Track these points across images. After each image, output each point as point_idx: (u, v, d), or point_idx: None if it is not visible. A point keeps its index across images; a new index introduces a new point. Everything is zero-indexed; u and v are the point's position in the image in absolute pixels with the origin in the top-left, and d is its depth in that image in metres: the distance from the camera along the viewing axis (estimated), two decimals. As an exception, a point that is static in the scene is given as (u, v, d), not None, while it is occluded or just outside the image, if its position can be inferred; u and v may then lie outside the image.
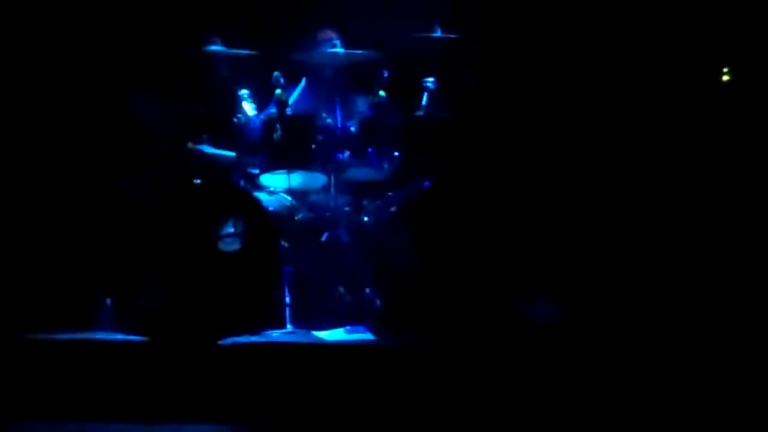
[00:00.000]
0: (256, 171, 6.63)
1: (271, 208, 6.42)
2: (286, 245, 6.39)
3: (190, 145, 6.83)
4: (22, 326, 6.20)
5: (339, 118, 6.62)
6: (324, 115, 6.60)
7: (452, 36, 6.64)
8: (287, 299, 6.27)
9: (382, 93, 6.64)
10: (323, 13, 7.20)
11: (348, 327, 6.19)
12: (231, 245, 6.24)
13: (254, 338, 5.99)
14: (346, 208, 6.67)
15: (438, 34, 6.63)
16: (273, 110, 6.61)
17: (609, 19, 7.27)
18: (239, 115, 6.65)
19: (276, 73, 6.73)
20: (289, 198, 6.63)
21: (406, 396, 5.55)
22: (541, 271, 6.65)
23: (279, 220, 6.44)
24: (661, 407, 5.44)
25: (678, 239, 6.91)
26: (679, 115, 7.22)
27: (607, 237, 7.15)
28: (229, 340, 5.87)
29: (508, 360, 5.68)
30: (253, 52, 6.78)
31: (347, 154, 6.58)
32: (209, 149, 6.80)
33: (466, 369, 5.64)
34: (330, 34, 6.92)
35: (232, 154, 6.69)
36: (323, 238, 6.52)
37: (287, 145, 6.53)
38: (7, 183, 7.00)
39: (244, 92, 6.72)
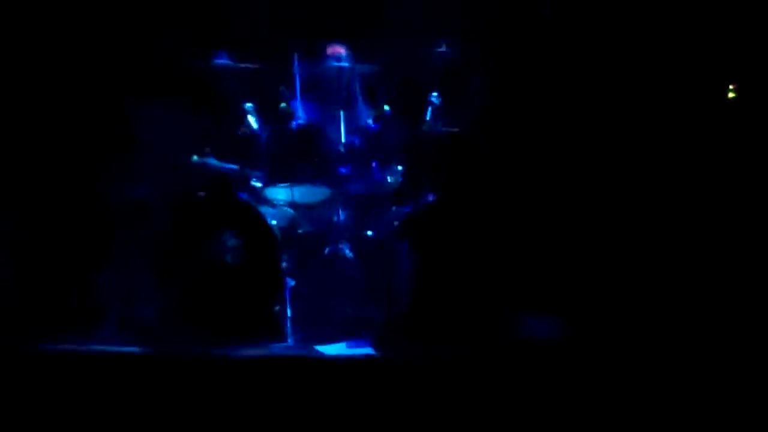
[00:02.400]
0: (260, 184, 6.63)
1: (273, 222, 6.43)
2: (289, 258, 6.40)
3: (194, 157, 6.85)
4: (23, 337, 6.21)
5: (343, 132, 6.62)
6: (328, 128, 6.61)
7: (457, 51, 6.64)
8: (289, 312, 6.27)
9: (386, 107, 6.65)
10: (329, 27, 7.22)
11: (349, 341, 6.18)
12: (233, 258, 6.25)
13: (255, 351, 5.99)
14: (349, 222, 6.67)
15: (443, 49, 6.63)
16: (277, 124, 6.63)
17: (615, 32, 7.27)
18: (244, 129, 6.66)
19: (281, 87, 6.74)
20: (292, 211, 6.63)
21: (406, 411, 5.54)
22: (543, 287, 6.66)
23: (282, 233, 6.45)
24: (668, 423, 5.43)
25: (685, 259, 6.90)
26: (689, 134, 7.21)
27: (612, 253, 7.14)
28: (230, 353, 5.86)
29: (508, 375, 5.67)
30: (258, 66, 6.80)
31: (351, 167, 6.58)
32: (213, 162, 6.81)
33: (467, 384, 5.63)
34: (337, 48, 6.94)
35: (236, 167, 6.69)
36: (326, 252, 6.52)
37: (291, 159, 6.53)
38: (9, 194, 7.02)
39: (248, 105, 6.73)
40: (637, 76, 7.23)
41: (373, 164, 6.60)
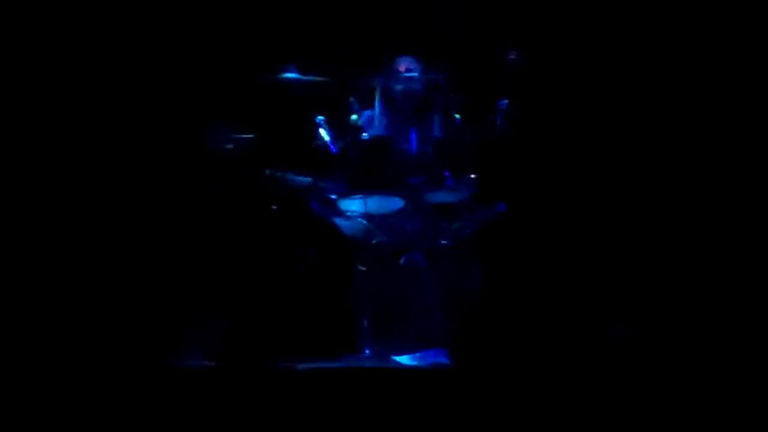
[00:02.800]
0: (333, 196, 6.65)
1: (348, 233, 6.44)
2: (363, 269, 6.40)
3: (267, 171, 6.89)
4: (106, 355, 6.28)
5: (415, 142, 6.62)
6: (400, 139, 6.61)
7: (526, 57, 6.60)
8: (364, 323, 6.27)
9: (457, 115, 6.64)
10: (398, 36, 7.22)
11: (425, 351, 6.16)
12: (308, 270, 6.27)
13: (331, 363, 5.99)
14: (423, 232, 6.65)
15: (512, 56, 6.60)
16: (349, 136, 6.65)
17: (689, 32, 7.20)
18: (316, 141, 6.68)
19: (352, 99, 6.76)
20: (366, 222, 6.63)
21: (484, 421, 5.51)
22: (622, 294, 6.58)
23: (356, 244, 6.46)
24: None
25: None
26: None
27: (695, 258, 7.04)
28: (306, 366, 5.87)
29: (590, 386, 5.61)
30: (328, 79, 6.82)
31: (424, 177, 6.57)
32: (286, 175, 6.84)
33: (547, 395, 5.58)
34: (407, 62, 6.94)
35: (309, 179, 6.72)
36: (400, 262, 6.51)
37: (364, 170, 6.54)
38: (85, 217, 7.11)
39: (320, 118, 6.75)
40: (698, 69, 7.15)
41: (446, 173, 6.58)
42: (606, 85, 7.41)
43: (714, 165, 7.12)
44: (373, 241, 6.59)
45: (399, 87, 6.73)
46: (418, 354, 6.16)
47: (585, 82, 7.41)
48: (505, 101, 6.63)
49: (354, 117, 6.66)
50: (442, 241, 6.56)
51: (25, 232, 6.87)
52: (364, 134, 6.67)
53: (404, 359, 6.11)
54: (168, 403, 5.68)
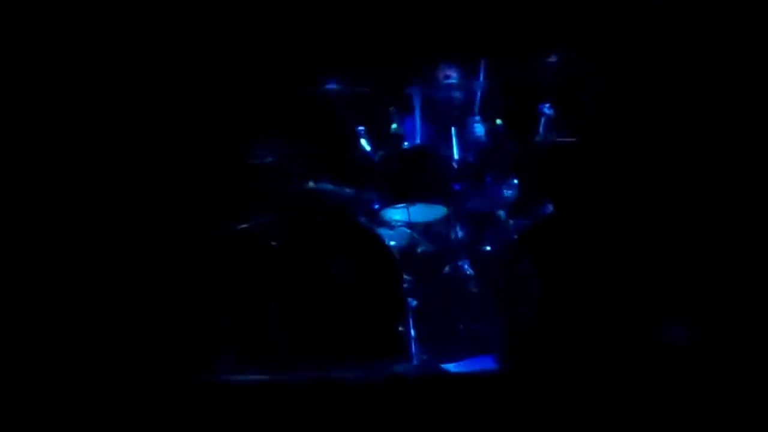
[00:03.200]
0: (377, 206, 6.65)
1: (392, 243, 6.44)
2: (410, 278, 6.39)
3: (310, 183, 6.90)
4: (149, 369, 6.30)
5: (456, 148, 6.61)
6: (441, 146, 6.60)
7: (568, 61, 6.58)
8: (412, 332, 6.26)
9: (498, 121, 6.62)
10: (438, 43, 7.22)
11: (474, 358, 6.15)
12: (354, 281, 6.27)
13: (381, 373, 5.99)
14: (468, 239, 6.64)
15: (553, 59, 6.57)
16: (390, 145, 6.65)
17: (726, 31, 7.15)
18: (357, 152, 6.69)
19: (392, 108, 6.76)
20: (410, 231, 6.63)
21: (537, 426, 5.48)
22: (672, 294, 6.53)
23: (401, 254, 6.46)
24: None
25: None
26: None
27: (740, 256, 6.99)
28: (356, 375, 5.87)
29: (642, 385, 5.58)
30: (368, 89, 6.83)
31: (466, 184, 6.56)
32: (329, 187, 6.86)
33: (600, 396, 5.55)
34: (446, 69, 6.94)
35: (352, 190, 6.72)
36: (446, 270, 6.50)
37: (405, 179, 6.54)
38: (134, 232, 7.15)
39: (361, 129, 6.75)
40: (748, 75, 7.10)
41: (488, 179, 6.57)
42: (647, 90, 7.38)
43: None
44: (419, 250, 6.58)
45: (438, 94, 6.72)
46: (466, 361, 6.14)
47: (628, 86, 7.38)
48: (547, 104, 6.61)
49: (394, 126, 6.65)
50: (487, 247, 6.55)
51: (59, 244, 6.93)
52: (405, 143, 6.66)
53: (453, 367, 6.09)
54: (220, 418, 5.69)
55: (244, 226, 6.94)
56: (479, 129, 6.89)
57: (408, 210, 6.57)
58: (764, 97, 7.05)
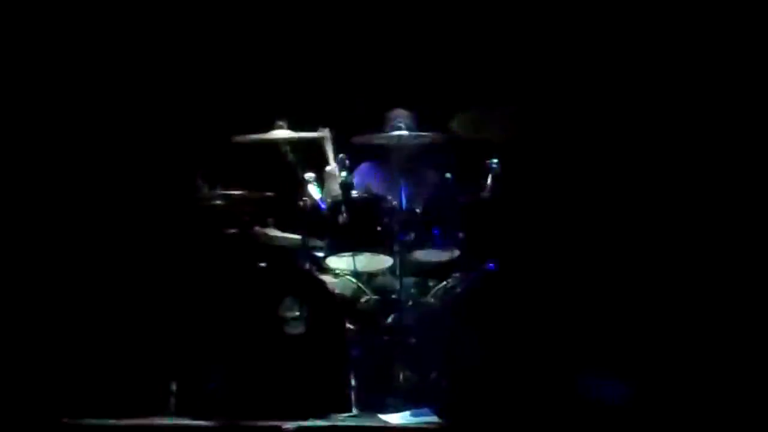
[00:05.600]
0: (322, 254, 6.63)
1: (336, 291, 6.43)
2: (352, 328, 6.38)
3: (256, 228, 6.88)
4: (89, 411, 6.23)
5: (404, 200, 6.61)
6: (389, 196, 6.61)
7: (515, 117, 6.62)
8: (353, 382, 6.24)
9: (447, 174, 6.64)
10: (390, 94, 7.26)
11: (414, 409, 6.13)
12: (296, 328, 6.24)
13: (320, 422, 5.96)
14: (412, 290, 6.64)
15: (502, 115, 6.61)
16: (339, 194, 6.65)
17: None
18: (305, 198, 6.67)
19: (341, 156, 6.78)
20: (355, 280, 6.62)
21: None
22: (610, 352, 6.58)
23: (345, 302, 6.44)
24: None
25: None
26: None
27: (681, 315, 7.08)
28: (295, 424, 5.84)
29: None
30: (318, 135, 6.83)
31: (412, 235, 6.56)
32: (275, 232, 6.84)
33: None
34: (398, 115, 6.98)
35: (298, 237, 6.70)
36: (389, 321, 6.50)
37: (352, 228, 6.54)
38: (75, 272, 7.12)
39: (309, 175, 6.74)
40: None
41: (435, 231, 6.58)
42: (595, 145, 7.47)
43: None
44: (362, 300, 6.57)
45: (390, 143, 6.73)
46: (406, 412, 6.13)
47: (575, 144, 7.47)
48: (495, 160, 6.64)
49: (344, 174, 6.65)
50: (431, 300, 6.55)
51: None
52: (354, 192, 6.66)
53: (393, 417, 6.07)
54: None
55: (189, 267, 6.91)
56: (428, 181, 6.92)
57: (353, 259, 6.56)
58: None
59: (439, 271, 6.64)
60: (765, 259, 6.96)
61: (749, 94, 7.15)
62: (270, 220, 6.88)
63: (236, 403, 6.14)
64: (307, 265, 6.59)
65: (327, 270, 6.66)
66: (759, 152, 7.08)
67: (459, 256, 6.59)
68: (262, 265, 6.65)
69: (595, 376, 6.17)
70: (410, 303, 6.54)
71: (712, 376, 6.56)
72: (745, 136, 7.15)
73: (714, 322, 6.94)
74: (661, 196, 7.41)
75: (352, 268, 6.60)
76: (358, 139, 6.69)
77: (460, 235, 6.58)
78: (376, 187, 7.02)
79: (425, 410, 6.11)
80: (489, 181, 6.66)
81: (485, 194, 6.66)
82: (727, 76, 7.18)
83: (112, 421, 6.05)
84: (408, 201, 6.60)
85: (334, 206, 6.57)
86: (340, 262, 6.63)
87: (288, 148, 6.65)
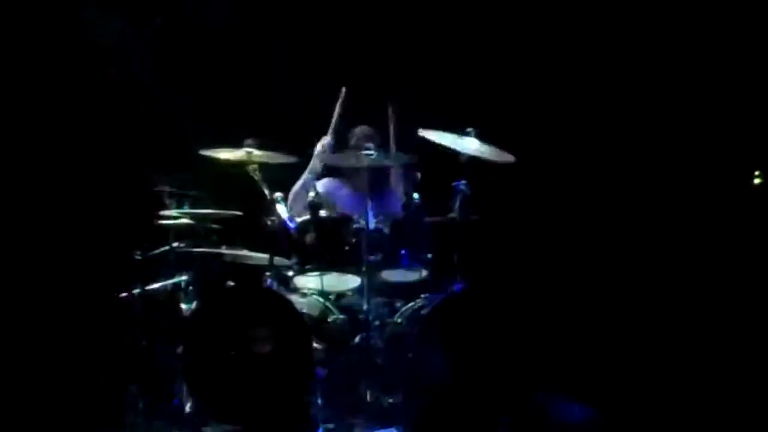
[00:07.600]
0: (290, 273, 6.63)
1: (304, 310, 6.42)
2: (319, 347, 6.37)
3: (224, 248, 6.87)
4: (55, 429, 6.21)
5: (372, 220, 6.62)
6: (357, 217, 6.61)
7: (484, 139, 6.64)
8: (319, 401, 6.23)
9: (415, 195, 6.64)
10: (359, 115, 7.28)
11: (380, 430, 6.13)
12: (264, 348, 6.23)
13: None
14: (380, 311, 6.63)
15: (470, 137, 6.63)
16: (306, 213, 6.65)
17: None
18: (273, 218, 6.66)
19: (309, 175, 6.77)
20: (323, 300, 6.61)
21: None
22: (575, 373, 6.62)
23: (312, 322, 6.43)
24: None
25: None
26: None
27: (645, 337, 7.13)
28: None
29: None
30: (286, 155, 6.83)
31: (380, 256, 6.57)
32: (243, 252, 6.83)
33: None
34: (367, 136, 6.99)
35: (266, 256, 6.69)
36: (356, 341, 6.49)
37: (320, 248, 6.54)
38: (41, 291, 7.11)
39: (278, 195, 6.73)
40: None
41: (402, 252, 6.58)
42: (561, 168, 7.52)
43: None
44: (329, 320, 6.56)
45: (359, 165, 6.74)
46: (372, 432, 6.13)
47: (541, 165, 7.51)
48: (463, 181, 6.63)
49: (312, 194, 6.66)
50: (398, 320, 6.55)
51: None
52: (321, 212, 6.66)
53: (358, 438, 6.08)
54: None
55: (154, 287, 6.89)
56: (396, 202, 6.92)
57: (321, 279, 6.56)
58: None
59: (406, 291, 6.63)
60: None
61: (744, 96, 7.21)
62: (238, 239, 6.88)
63: (203, 423, 6.12)
64: (275, 285, 6.58)
65: (295, 289, 6.65)
66: (750, 156, 7.15)
67: (426, 277, 6.60)
68: (230, 284, 6.65)
69: (560, 397, 6.20)
70: (378, 323, 6.54)
71: (682, 401, 6.62)
72: (733, 142, 7.23)
73: (681, 347, 7.01)
74: (626, 221, 7.47)
75: (319, 287, 6.59)
76: (329, 160, 6.69)
77: (428, 255, 6.60)
78: (341, 204, 7.04)
79: (392, 430, 6.11)
80: (457, 202, 6.66)
81: (453, 215, 6.66)
82: (713, 81, 7.26)
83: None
84: (376, 221, 6.61)
85: (303, 226, 6.57)
86: (307, 282, 6.63)
87: (256, 167, 6.63)
